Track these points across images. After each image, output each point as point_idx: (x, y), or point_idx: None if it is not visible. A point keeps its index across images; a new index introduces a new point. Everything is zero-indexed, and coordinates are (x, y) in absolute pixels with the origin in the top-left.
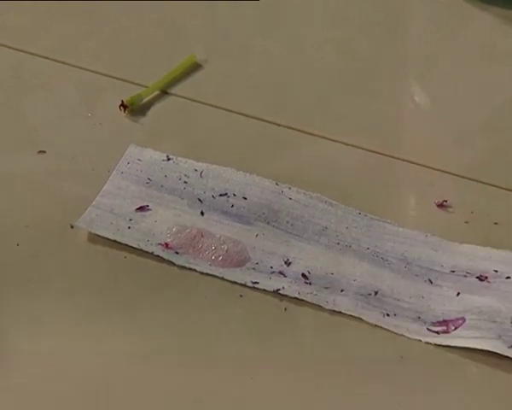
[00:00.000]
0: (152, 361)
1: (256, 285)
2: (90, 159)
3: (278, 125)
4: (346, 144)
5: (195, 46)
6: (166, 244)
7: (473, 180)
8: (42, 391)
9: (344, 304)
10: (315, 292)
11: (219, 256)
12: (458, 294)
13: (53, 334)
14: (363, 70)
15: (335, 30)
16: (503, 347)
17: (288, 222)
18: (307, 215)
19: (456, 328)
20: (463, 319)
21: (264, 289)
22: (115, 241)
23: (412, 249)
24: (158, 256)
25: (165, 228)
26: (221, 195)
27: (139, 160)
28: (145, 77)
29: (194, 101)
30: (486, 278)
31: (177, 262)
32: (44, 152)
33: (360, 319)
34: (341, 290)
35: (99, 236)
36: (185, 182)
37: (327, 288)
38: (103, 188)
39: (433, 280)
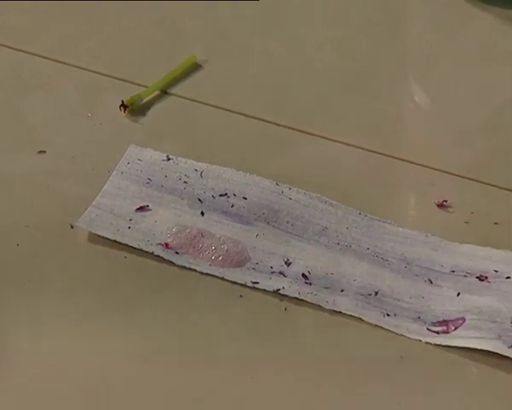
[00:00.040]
0: (152, 361)
1: (256, 285)
2: (90, 159)
3: (278, 125)
4: (346, 144)
5: (195, 46)
6: (166, 244)
7: (473, 180)
8: (42, 391)
9: (344, 304)
10: (315, 292)
11: (219, 256)
12: (458, 294)
13: (53, 334)
14: (363, 70)
15: (335, 30)
16: (503, 347)
17: (288, 222)
18: (307, 215)
19: (456, 328)
20: (463, 319)
21: (264, 290)
22: (115, 241)
23: (412, 249)
24: (158, 256)
25: (165, 228)
26: (221, 195)
27: (139, 160)
28: (145, 77)
29: (194, 101)
30: (486, 278)
31: (177, 262)
32: (44, 152)
33: (360, 319)
34: (341, 290)
35: (99, 236)
36: (185, 182)
37: (327, 288)
38: (103, 188)
39: (433, 280)
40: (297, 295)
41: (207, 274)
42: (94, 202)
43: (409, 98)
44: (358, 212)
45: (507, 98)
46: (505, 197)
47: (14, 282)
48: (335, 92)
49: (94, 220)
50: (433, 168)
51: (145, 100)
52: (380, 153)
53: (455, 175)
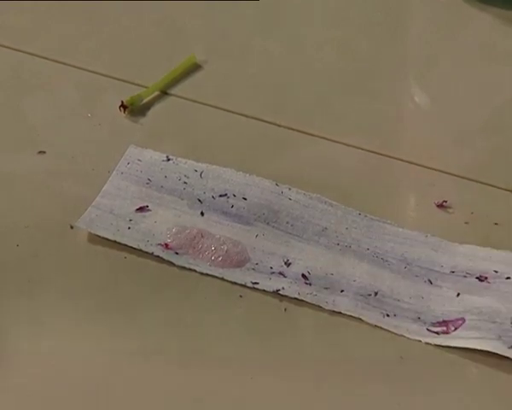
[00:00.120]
0: (152, 361)
1: (256, 286)
2: (90, 159)
3: (278, 125)
4: (346, 145)
5: (195, 46)
6: (166, 245)
7: (473, 180)
8: (42, 391)
9: (344, 304)
10: (315, 292)
11: (219, 257)
12: (458, 294)
13: (53, 334)
14: (363, 70)
15: (335, 30)
16: (502, 347)
17: (287, 223)
18: (307, 216)
19: (455, 328)
20: (463, 320)
21: (264, 290)
22: (115, 241)
23: (412, 250)
24: (158, 257)
25: (164, 228)
26: (221, 195)
27: (139, 160)
28: (145, 77)
29: (194, 101)
30: (486, 278)
31: (176, 263)
32: (44, 152)
33: (360, 319)
34: (341, 291)
35: (99, 236)
36: (185, 182)
37: (327, 288)
38: (103, 188)
39: (432, 281)
40: (297, 296)
41: (207, 274)
42: (94, 203)
43: (409, 98)
44: (358, 212)
45: (507, 98)
46: (505, 198)
47: (14, 282)
48: (335, 92)
49: (94, 221)
50: (433, 168)
51: (145, 100)
52: (380, 153)
53: (455, 175)
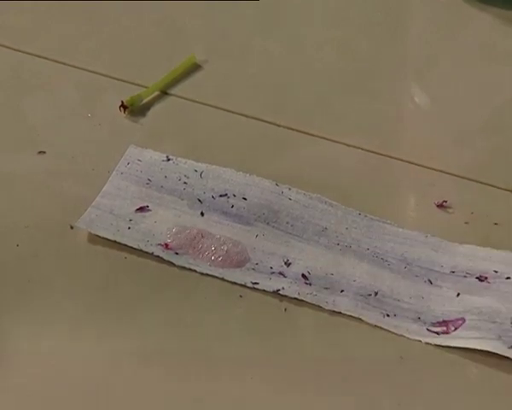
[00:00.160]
0: (152, 361)
1: (256, 286)
2: (90, 159)
3: (278, 125)
4: (346, 145)
5: (195, 46)
6: (166, 245)
7: (473, 180)
8: (42, 391)
9: (344, 304)
10: (315, 293)
11: (219, 257)
12: (458, 294)
13: (53, 334)
14: (363, 70)
15: (335, 30)
16: (502, 347)
17: (287, 223)
18: (307, 216)
19: (455, 328)
20: (463, 320)
21: (264, 290)
22: (115, 241)
23: (412, 250)
24: (158, 257)
25: (165, 229)
26: (221, 195)
27: (139, 160)
28: (145, 77)
29: (194, 101)
30: (486, 278)
31: (177, 263)
32: (44, 152)
33: (360, 319)
34: (341, 291)
35: (99, 236)
36: (185, 182)
37: (327, 288)
38: (103, 188)
39: (432, 281)
40: (297, 296)
41: (207, 275)
42: (94, 203)
43: (409, 98)
44: (358, 212)
45: (507, 98)
46: (505, 197)
47: (14, 282)
48: (335, 92)
49: (94, 221)
50: (433, 168)
51: (145, 100)
52: (380, 153)
53: (455, 175)
